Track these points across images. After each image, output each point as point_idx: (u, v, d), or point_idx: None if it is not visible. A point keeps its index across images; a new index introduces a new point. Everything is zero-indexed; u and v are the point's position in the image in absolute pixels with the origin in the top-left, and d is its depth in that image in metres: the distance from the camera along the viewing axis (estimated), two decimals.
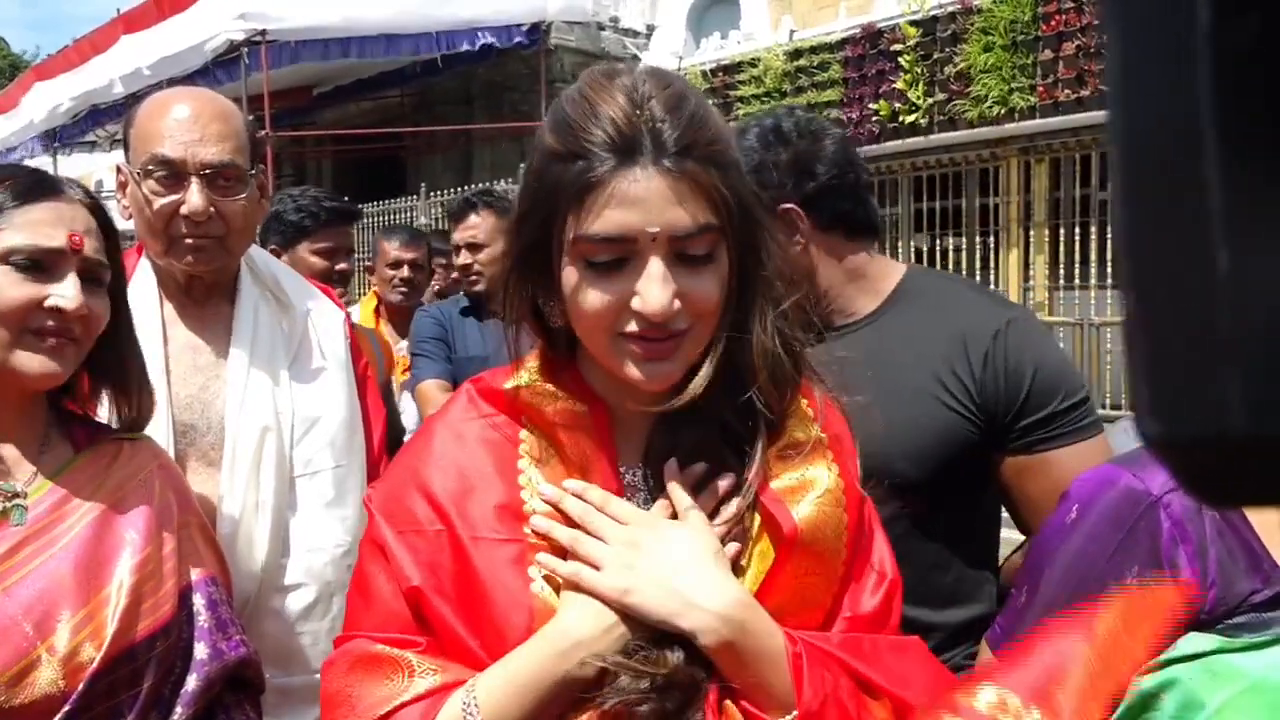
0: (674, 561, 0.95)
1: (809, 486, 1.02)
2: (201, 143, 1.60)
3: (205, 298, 1.72)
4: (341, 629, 1.64)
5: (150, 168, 1.59)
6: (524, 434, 1.04)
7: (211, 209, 1.60)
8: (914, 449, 1.54)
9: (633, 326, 0.94)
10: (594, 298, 0.95)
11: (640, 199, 0.91)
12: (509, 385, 1.05)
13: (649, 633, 0.95)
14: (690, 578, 0.94)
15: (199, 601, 1.36)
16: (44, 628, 1.20)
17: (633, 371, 0.97)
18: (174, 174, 1.60)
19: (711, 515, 1.00)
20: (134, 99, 11.85)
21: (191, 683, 1.31)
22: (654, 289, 0.92)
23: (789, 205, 1.63)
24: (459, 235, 3.40)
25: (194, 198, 1.58)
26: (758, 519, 1.01)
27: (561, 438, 1.03)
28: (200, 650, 1.33)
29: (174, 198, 1.59)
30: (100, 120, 13.23)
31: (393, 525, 1.03)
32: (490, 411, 1.07)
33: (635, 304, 0.93)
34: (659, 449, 1.03)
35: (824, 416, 1.08)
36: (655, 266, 0.92)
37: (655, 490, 1.03)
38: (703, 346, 0.99)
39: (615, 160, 0.92)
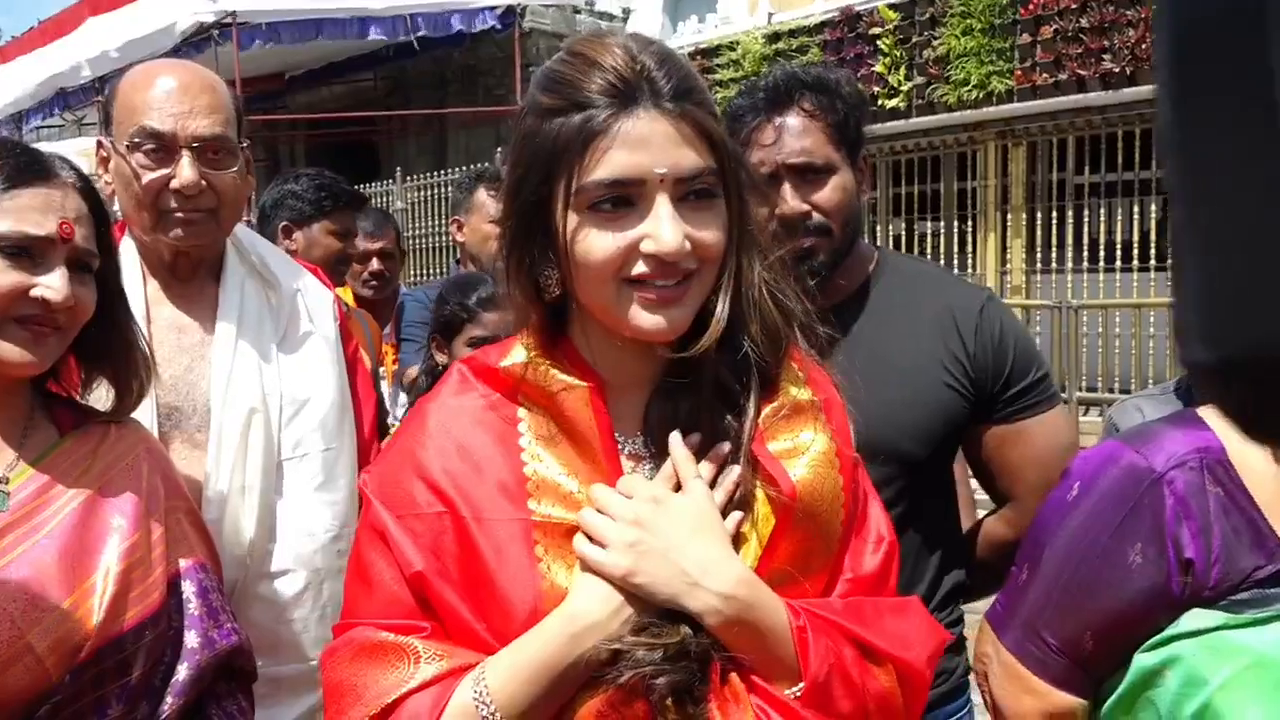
0: (677, 540, 0.94)
1: (803, 449, 1.02)
2: (191, 115, 1.57)
3: (190, 276, 1.68)
4: (331, 617, 1.63)
5: (138, 140, 1.56)
6: (522, 411, 1.03)
7: (203, 182, 1.57)
8: (918, 426, 1.58)
9: (641, 269, 0.94)
10: (601, 243, 0.94)
11: (645, 140, 0.93)
12: (505, 363, 1.04)
13: (657, 609, 0.94)
14: (693, 557, 0.94)
15: (189, 589, 1.33)
16: (29, 617, 1.17)
17: (641, 320, 0.96)
18: (163, 147, 1.56)
19: (713, 482, 1.00)
20: (101, 82, 11.78)
21: (182, 672, 1.28)
22: (665, 228, 0.93)
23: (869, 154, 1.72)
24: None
25: (185, 170, 1.55)
26: (759, 483, 1.01)
27: (561, 413, 1.01)
28: (191, 639, 1.31)
29: (164, 171, 1.56)
30: (67, 104, 13.02)
31: (391, 510, 1.01)
32: (485, 390, 1.05)
33: (646, 246, 0.93)
34: (657, 417, 1.03)
35: (813, 380, 1.09)
36: (664, 206, 0.93)
37: (657, 458, 1.02)
38: (708, 291, 0.99)
39: (617, 106, 0.93)
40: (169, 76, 1.60)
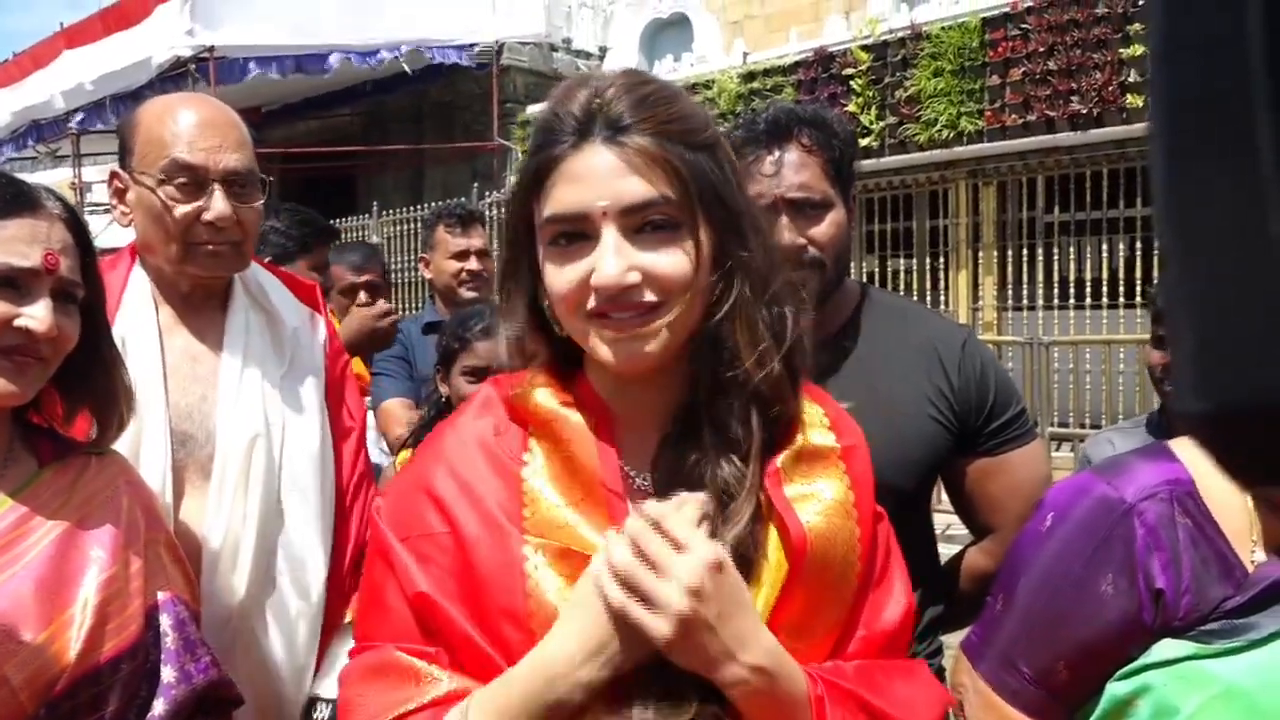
0: (724, 612, 0.91)
1: (818, 495, 1.00)
2: (222, 149, 1.61)
3: (201, 305, 1.70)
4: (322, 646, 1.62)
5: (171, 172, 1.58)
6: (531, 441, 1.03)
7: (233, 215, 1.61)
8: (905, 459, 1.60)
9: (594, 303, 0.95)
10: (560, 278, 0.96)
11: (587, 175, 0.94)
12: (515, 392, 1.04)
13: (637, 655, 0.91)
14: (731, 629, 0.91)
15: (166, 622, 1.32)
16: (4, 649, 1.15)
17: (602, 353, 0.96)
18: (194, 180, 1.59)
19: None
20: (75, 115, 11.74)
21: (159, 707, 1.27)
22: (606, 260, 0.93)
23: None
24: (471, 242, 3.38)
25: (219, 204, 1.59)
26: (772, 529, 0.99)
27: (566, 445, 1.01)
28: (168, 673, 1.29)
29: (196, 204, 1.59)
30: (41, 136, 12.97)
31: (398, 532, 1.01)
32: (501, 416, 1.05)
33: (593, 279, 0.94)
34: (669, 456, 1.01)
35: (837, 425, 1.07)
36: (608, 238, 0.93)
37: (663, 497, 0.99)
38: (681, 326, 0.97)
39: (571, 142, 0.95)
40: (194, 110, 1.63)
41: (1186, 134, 0.35)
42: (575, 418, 1.01)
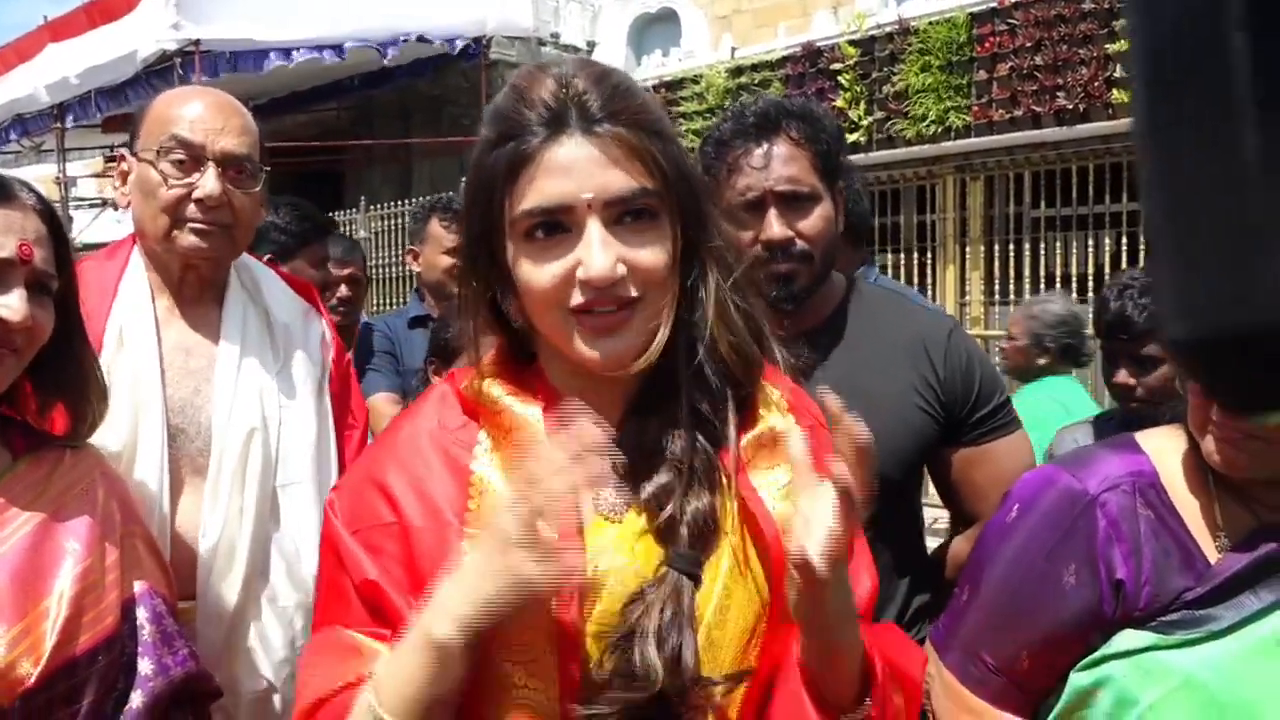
0: None
1: (781, 481, 1.01)
2: (223, 133, 1.64)
3: (197, 296, 1.70)
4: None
5: (169, 146, 1.62)
6: (480, 435, 1.03)
7: (224, 196, 1.63)
8: (898, 451, 1.62)
9: (579, 298, 0.94)
10: (539, 274, 0.95)
11: (570, 166, 0.93)
12: (466, 384, 1.05)
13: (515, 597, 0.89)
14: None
15: (142, 614, 1.32)
16: None
17: (585, 350, 0.96)
18: (192, 157, 1.63)
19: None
20: (61, 108, 11.67)
21: (136, 700, 1.27)
22: (595, 253, 0.92)
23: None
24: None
25: (209, 181, 1.62)
26: (730, 504, 0.99)
27: (515, 436, 1.01)
28: (145, 666, 1.29)
29: (189, 180, 1.62)
30: (25, 130, 12.88)
31: (350, 524, 1.02)
32: (455, 409, 1.06)
33: (579, 273, 0.93)
34: (630, 439, 1.01)
35: (796, 408, 1.08)
36: (594, 231, 0.93)
37: (626, 480, 1.00)
38: (657, 318, 0.97)
39: (545, 134, 0.94)
40: (204, 98, 1.69)
41: (1163, 62, 0.35)
42: (524, 408, 1.01)
